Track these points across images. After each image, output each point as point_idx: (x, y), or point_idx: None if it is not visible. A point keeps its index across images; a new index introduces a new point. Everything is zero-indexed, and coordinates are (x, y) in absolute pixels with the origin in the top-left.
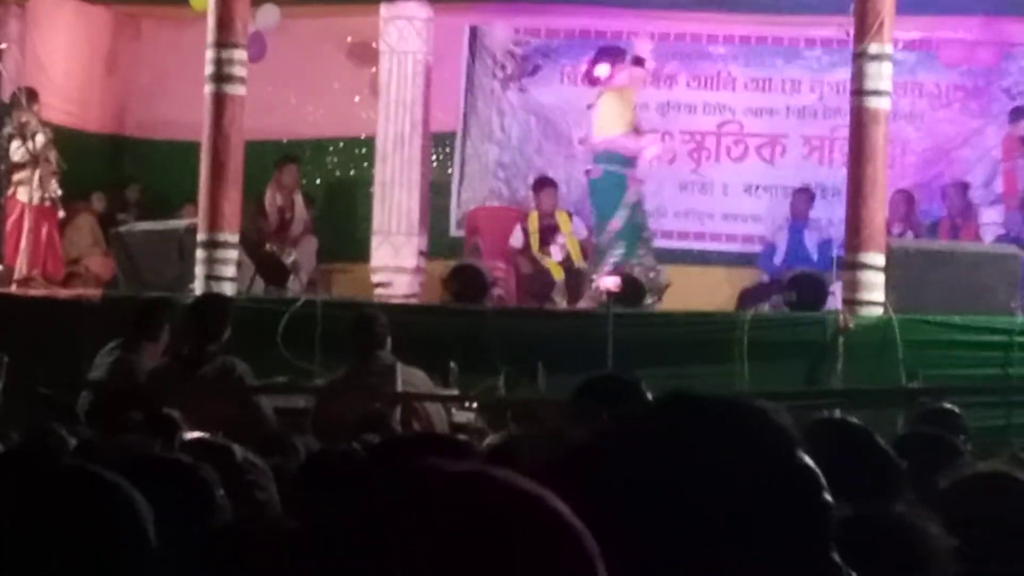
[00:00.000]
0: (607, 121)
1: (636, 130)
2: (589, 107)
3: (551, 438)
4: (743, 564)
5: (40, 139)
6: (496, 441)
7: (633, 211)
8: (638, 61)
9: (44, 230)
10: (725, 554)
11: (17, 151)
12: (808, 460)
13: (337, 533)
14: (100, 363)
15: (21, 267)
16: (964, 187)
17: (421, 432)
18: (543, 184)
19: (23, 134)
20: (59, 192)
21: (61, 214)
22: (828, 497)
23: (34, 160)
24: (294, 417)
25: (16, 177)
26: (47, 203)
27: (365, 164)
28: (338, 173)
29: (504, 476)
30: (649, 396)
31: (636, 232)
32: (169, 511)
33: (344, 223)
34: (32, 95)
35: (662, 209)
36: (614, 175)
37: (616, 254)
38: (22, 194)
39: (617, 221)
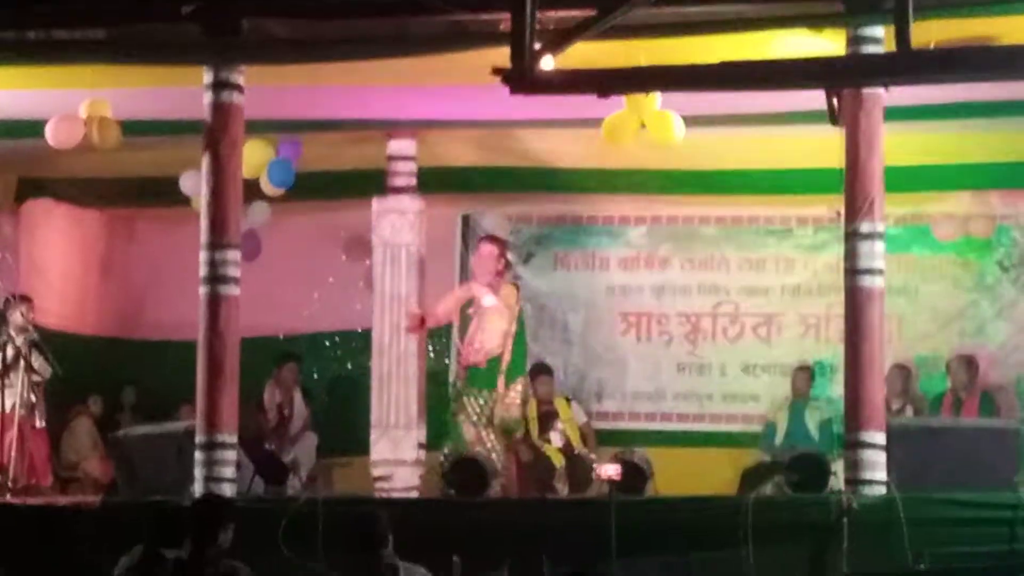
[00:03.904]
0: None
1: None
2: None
3: None
4: None
5: (10, 350)
6: None
7: None
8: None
9: (26, 438)
10: None
11: None
12: None
13: None
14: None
15: (14, 476)
16: (970, 361)
17: None
18: (540, 371)
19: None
20: (33, 397)
21: (39, 423)
22: None
23: (4, 369)
24: None
25: None
26: (22, 411)
27: (362, 357)
28: (336, 367)
29: None
30: None
31: None
32: None
33: (343, 417)
34: (24, 301)
35: (660, 391)
36: None
37: None
38: None
39: None
